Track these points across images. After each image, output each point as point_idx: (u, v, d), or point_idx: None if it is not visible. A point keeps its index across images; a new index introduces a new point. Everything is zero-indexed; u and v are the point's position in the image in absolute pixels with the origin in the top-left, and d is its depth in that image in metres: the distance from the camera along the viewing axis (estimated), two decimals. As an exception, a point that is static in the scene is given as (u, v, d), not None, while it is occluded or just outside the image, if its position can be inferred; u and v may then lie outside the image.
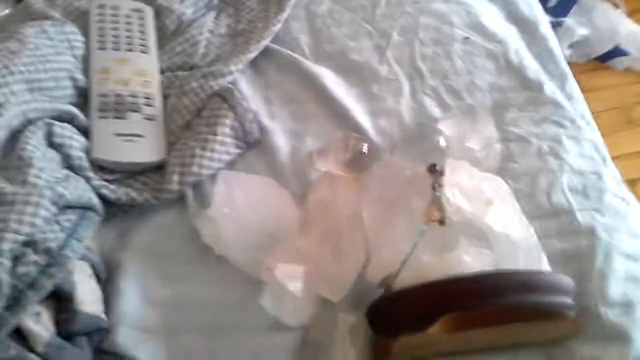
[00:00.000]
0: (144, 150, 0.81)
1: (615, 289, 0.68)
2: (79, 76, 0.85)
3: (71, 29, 0.89)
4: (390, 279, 0.66)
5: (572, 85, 0.95)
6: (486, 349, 0.67)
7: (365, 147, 0.80)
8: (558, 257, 0.72)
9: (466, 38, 0.96)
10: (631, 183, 1.48)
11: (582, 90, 0.94)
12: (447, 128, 0.82)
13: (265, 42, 0.94)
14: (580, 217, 0.76)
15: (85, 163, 0.76)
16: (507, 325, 0.62)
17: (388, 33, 0.98)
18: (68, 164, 0.75)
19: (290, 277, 0.68)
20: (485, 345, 0.67)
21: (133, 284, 0.72)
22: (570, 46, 1.69)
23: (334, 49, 0.97)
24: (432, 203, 0.69)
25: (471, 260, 0.65)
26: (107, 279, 0.73)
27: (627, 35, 1.69)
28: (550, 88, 0.91)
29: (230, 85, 0.87)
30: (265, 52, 0.95)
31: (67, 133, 0.76)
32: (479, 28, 0.98)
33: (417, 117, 0.88)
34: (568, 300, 0.63)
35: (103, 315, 0.68)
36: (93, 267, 0.71)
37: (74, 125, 0.79)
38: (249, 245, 0.72)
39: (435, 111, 0.89)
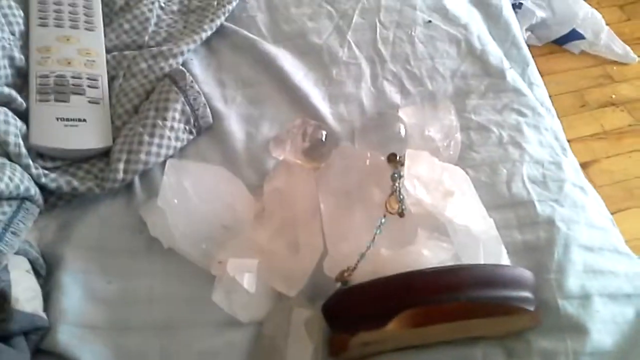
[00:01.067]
0: (88, 136, 0.76)
1: (573, 281, 0.68)
2: (17, 55, 0.79)
3: (8, 3, 0.82)
4: (347, 273, 0.64)
5: (533, 71, 0.94)
6: (445, 342, 0.66)
7: (323, 135, 0.77)
8: (518, 248, 0.71)
9: (428, 21, 0.94)
10: (584, 166, 1.50)
11: (539, 73, 0.94)
12: (407, 116, 0.80)
13: (220, 21, 0.90)
14: (539, 208, 0.74)
15: (23, 150, 0.70)
16: (467, 320, 0.61)
17: (349, 14, 0.94)
18: (3, 151, 0.69)
19: (243, 272, 0.64)
20: (444, 339, 0.66)
21: (75, 280, 0.67)
22: (529, 29, 1.69)
23: (292, 30, 0.93)
24: (392, 194, 0.67)
25: (430, 255, 0.63)
26: (47, 274, 0.68)
27: (584, 18, 1.71)
28: (512, 75, 0.90)
29: (181, 67, 0.83)
30: (220, 32, 0.91)
31: (2, 117, 0.70)
32: (442, 11, 0.96)
33: (377, 104, 0.86)
34: (528, 294, 0.62)
35: (42, 314, 0.64)
36: (31, 262, 0.66)
37: (11, 109, 0.73)
38: (200, 238, 0.68)
39: (396, 97, 0.86)
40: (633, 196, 1.46)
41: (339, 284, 0.65)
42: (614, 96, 1.67)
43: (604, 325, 0.64)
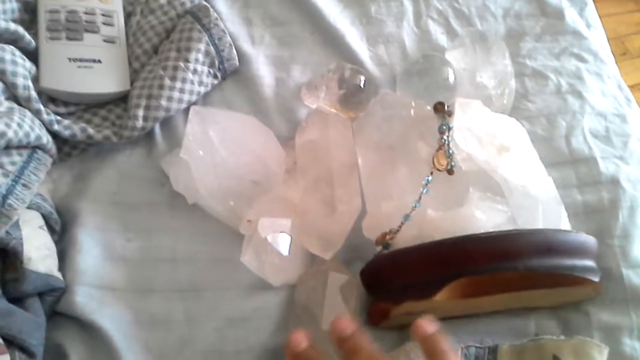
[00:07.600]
0: (103, 78, 0.69)
1: (639, 248, 0.61)
2: (25, -14, 0.72)
3: None
4: (390, 235, 0.58)
5: (592, 11, 0.85)
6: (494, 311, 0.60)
7: (362, 81, 0.69)
8: (578, 210, 0.65)
9: (477, -47, 0.84)
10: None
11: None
12: (456, 60, 0.71)
13: (246, -48, 0.81)
14: (602, 165, 0.67)
15: (33, 93, 0.64)
16: (525, 291, 0.55)
17: (388, -56, 0.85)
18: (12, 94, 0.63)
19: (276, 232, 0.59)
20: (495, 309, 0.60)
21: (93, 237, 0.62)
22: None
23: (325, -38, 0.84)
24: (439, 149, 0.60)
25: (484, 217, 0.56)
26: (62, 230, 0.63)
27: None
28: (571, 15, 0.81)
29: (204, 2, 0.75)
30: (246, -37, 0.82)
31: (9, 57, 0.63)
32: (491, -60, 0.86)
33: (421, 46, 0.78)
34: (592, 263, 0.56)
35: (57, 274, 0.59)
36: (44, 217, 0.61)
37: (19, 48, 0.66)
38: (228, 194, 0.62)
39: (442, 39, 0.78)
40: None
41: (379, 248, 0.59)
42: (657, 44, 1.59)
43: (674, 298, 0.58)
